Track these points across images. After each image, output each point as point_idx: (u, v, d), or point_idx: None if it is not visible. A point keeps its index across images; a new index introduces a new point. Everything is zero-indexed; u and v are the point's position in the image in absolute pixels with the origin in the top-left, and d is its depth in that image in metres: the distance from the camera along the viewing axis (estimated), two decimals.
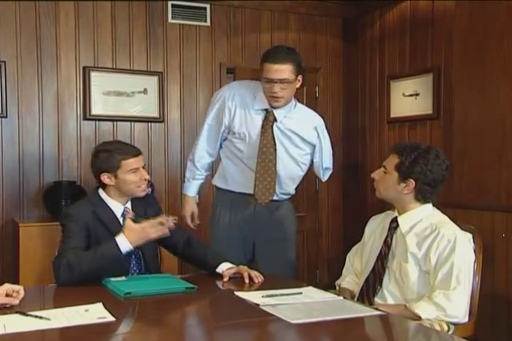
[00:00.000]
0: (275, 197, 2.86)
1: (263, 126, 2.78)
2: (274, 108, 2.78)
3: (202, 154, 2.92)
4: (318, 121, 2.94)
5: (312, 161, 2.96)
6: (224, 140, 2.90)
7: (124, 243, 2.20)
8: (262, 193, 2.79)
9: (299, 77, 2.73)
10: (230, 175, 2.87)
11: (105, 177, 2.40)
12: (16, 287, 1.93)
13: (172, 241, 2.51)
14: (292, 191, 2.97)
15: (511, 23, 3.28)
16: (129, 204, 2.47)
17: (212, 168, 3.08)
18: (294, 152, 2.86)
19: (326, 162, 2.96)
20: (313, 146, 2.91)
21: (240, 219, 2.87)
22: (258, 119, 2.80)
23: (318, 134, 2.90)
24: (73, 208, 2.45)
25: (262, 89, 2.74)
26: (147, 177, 2.44)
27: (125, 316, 1.91)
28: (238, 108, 2.81)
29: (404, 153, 2.18)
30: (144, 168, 2.46)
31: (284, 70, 2.64)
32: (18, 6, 3.90)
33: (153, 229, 2.23)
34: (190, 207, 2.96)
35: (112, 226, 2.38)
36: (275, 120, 2.79)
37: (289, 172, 2.87)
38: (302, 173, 2.96)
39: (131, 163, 2.41)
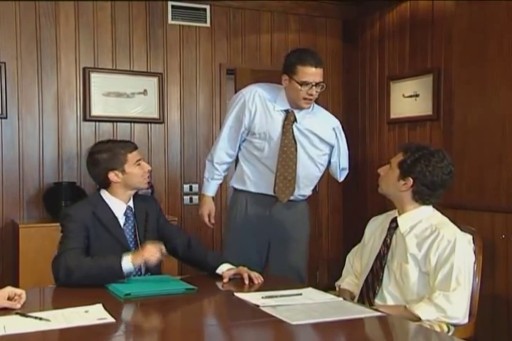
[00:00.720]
0: (292, 198, 2.89)
1: (284, 126, 2.83)
2: (300, 109, 2.84)
3: (221, 154, 2.96)
4: (336, 122, 3.02)
5: (329, 162, 3.01)
6: (243, 141, 2.94)
7: (127, 261, 2.17)
8: (282, 191, 2.84)
9: None
10: (248, 177, 2.91)
11: (113, 175, 2.40)
12: (18, 291, 1.92)
13: (172, 244, 2.52)
14: (308, 192, 3.01)
15: (511, 23, 3.28)
16: (131, 203, 2.48)
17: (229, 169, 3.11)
18: (313, 152, 2.90)
19: (343, 162, 3.02)
20: (332, 147, 2.96)
21: (256, 218, 2.91)
22: (279, 120, 2.84)
23: (336, 135, 2.97)
24: (73, 209, 2.44)
25: (292, 91, 2.78)
26: (150, 167, 2.50)
27: (125, 317, 1.92)
28: (258, 109, 2.86)
29: (409, 151, 2.19)
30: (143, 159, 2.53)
31: (321, 73, 2.76)
32: (18, 6, 3.91)
33: (151, 249, 2.20)
34: (208, 207, 3.01)
35: (111, 227, 2.38)
36: (295, 120, 2.84)
37: (308, 172, 2.91)
38: (319, 174, 3.00)
39: (136, 154, 2.46)
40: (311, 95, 2.76)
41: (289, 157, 2.82)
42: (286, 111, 2.84)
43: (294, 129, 2.84)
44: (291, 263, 2.92)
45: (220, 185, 3.12)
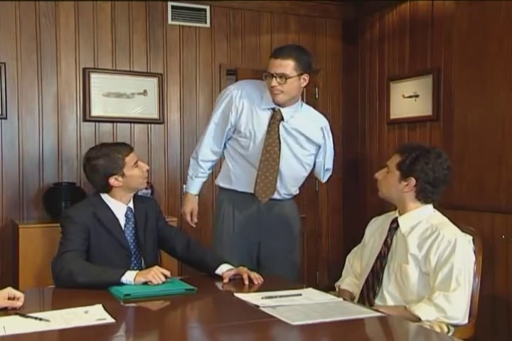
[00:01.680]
0: (278, 197, 2.86)
1: (269, 125, 2.79)
2: (278, 104, 2.78)
3: (206, 152, 2.92)
4: (324, 121, 2.97)
5: (315, 162, 2.97)
6: (229, 139, 2.90)
7: (129, 277, 2.16)
8: (263, 191, 2.79)
9: (305, 76, 2.74)
10: (234, 175, 2.87)
11: (113, 180, 2.41)
12: (17, 293, 1.91)
13: (171, 245, 2.52)
14: (295, 191, 2.98)
15: (511, 24, 3.28)
16: (131, 204, 2.49)
17: (215, 168, 3.08)
18: (299, 152, 2.86)
19: (328, 163, 2.99)
20: (318, 147, 2.92)
21: (244, 218, 2.87)
22: (265, 118, 2.80)
23: (323, 135, 2.92)
24: (73, 210, 2.45)
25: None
26: (147, 167, 2.52)
27: (125, 318, 1.92)
28: (245, 107, 2.82)
29: (405, 152, 2.19)
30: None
31: (283, 65, 2.67)
32: (18, 7, 3.90)
33: (156, 272, 2.16)
34: (191, 205, 2.96)
35: (112, 228, 2.39)
36: (282, 119, 2.80)
37: (293, 172, 2.88)
38: (306, 174, 2.96)
39: (133, 156, 2.46)
40: (272, 87, 2.69)
41: (272, 157, 2.78)
42: (273, 109, 2.80)
43: (281, 128, 2.79)
44: (282, 263, 2.87)
45: (205, 184, 3.07)
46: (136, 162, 2.47)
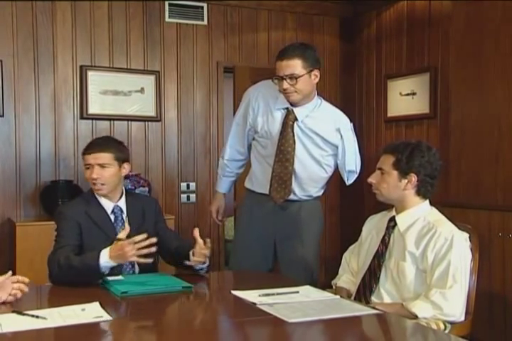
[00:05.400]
0: (294, 198, 2.82)
1: (283, 125, 2.77)
2: (292, 104, 2.76)
3: (231, 151, 2.98)
4: (341, 122, 2.86)
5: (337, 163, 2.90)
6: (253, 140, 2.92)
7: (105, 257, 2.15)
8: (277, 192, 2.77)
9: (315, 72, 2.70)
10: (255, 175, 2.89)
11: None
12: (20, 278, 1.97)
13: (167, 247, 2.46)
14: (315, 193, 2.89)
15: (507, 23, 3.28)
16: (121, 203, 2.47)
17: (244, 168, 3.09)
18: (316, 152, 2.80)
19: (349, 164, 2.86)
20: (337, 147, 2.83)
21: (259, 219, 2.86)
22: (278, 118, 2.80)
23: (341, 136, 2.82)
24: (65, 207, 2.48)
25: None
26: (94, 175, 2.40)
27: (122, 315, 1.92)
28: (261, 107, 2.84)
29: (397, 150, 2.19)
30: (103, 166, 2.41)
31: (291, 66, 2.64)
32: (14, 4, 3.89)
33: (130, 247, 2.11)
34: (218, 203, 3.03)
35: (103, 225, 2.39)
36: (296, 119, 2.76)
37: (310, 173, 2.82)
38: (326, 175, 2.88)
39: (86, 158, 2.45)
40: (284, 89, 2.67)
41: (285, 157, 2.75)
42: (286, 109, 2.78)
43: (296, 128, 2.76)
44: (296, 265, 2.83)
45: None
46: (89, 165, 2.42)
